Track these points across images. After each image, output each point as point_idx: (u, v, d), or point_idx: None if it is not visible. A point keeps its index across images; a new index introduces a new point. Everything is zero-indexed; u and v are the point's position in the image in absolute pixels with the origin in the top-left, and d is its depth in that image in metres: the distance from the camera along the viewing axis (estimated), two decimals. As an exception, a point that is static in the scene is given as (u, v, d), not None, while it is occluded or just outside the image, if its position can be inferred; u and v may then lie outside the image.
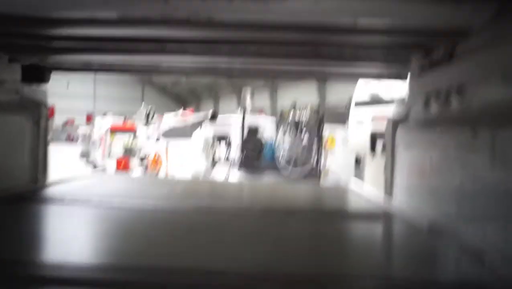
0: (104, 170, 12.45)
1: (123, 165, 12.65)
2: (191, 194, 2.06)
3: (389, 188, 1.87)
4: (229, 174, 8.23)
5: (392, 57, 1.56)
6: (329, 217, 1.59)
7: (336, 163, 8.83)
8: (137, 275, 0.85)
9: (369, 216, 1.59)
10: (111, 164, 12.91)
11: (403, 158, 1.76)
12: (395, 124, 1.83)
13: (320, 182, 7.70)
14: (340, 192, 2.41)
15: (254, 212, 1.54)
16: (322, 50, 1.38)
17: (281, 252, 1.11)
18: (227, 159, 8.62)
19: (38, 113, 1.83)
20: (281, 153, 7.82)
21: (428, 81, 1.48)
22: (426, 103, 1.54)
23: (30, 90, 1.81)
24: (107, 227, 1.32)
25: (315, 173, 7.89)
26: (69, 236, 1.20)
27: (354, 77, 2.11)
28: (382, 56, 1.52)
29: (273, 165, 7.96)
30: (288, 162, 7.72)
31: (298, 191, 2.42)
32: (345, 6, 0.90)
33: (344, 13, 0.94)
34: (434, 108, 1.48)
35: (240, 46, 1.33)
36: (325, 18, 1.00)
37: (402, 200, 1.72)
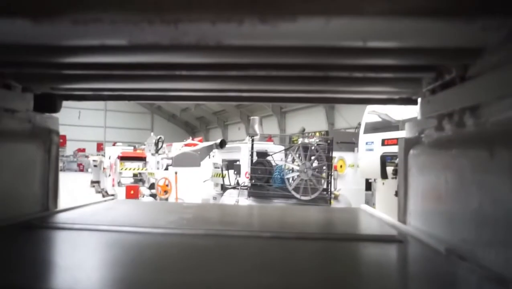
0: (114, 197, 12.39)
1: (132, 192, 12.66)
2: (201, 218, 2.03)
3: (402, 211, 1.82)
4: (238, 200, 8.17)
5: (402, 79, 1.55)
6: (341, 240, 1.55)
7: (346, 188, 8.75)
8: None
9: (383, 239, 1.55)
10: (121, 192, 12.94)
11: (416, 181, 1.72)
12: (407, 146, 1.80)
13: (330, 207, 7.62)
14: (352, 214, 2.36)
15: (264, 237, 1.51)
16: (332, 73, 1.38)
17: (292, 277, 1.07)
18: (236, 186, 8.56)
19: (50, 141, 1.84)
20: (290, 179, 7.76)
21: (440, 102, 1.46)
22: (439, 125, 1.52)
23: (41, 118, 1.83)
24: (116, 253, 1.29)
25: (325, 198, 7.80)
26: (78, 262, 1.18)
27: (364, 102, 2.10)
28: (392, 78, 1.51)
29: (282, 191, 7.90)
30: (297, 188, 7.66)
31: (308, 213, 2.38)
32: (355, 26, 0.90)
33: (354, 34, 0.94)
34: (447, 129, 1.46)
35: (249, 70, 1.34)
36: (335, 40, 1.00)
37: (416, 224, 1.68)
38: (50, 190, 1.85)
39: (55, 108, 1.91)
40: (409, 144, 1.79)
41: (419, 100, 1.74)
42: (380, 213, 2.14)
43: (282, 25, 0.85)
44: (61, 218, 1.75)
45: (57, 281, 1.05)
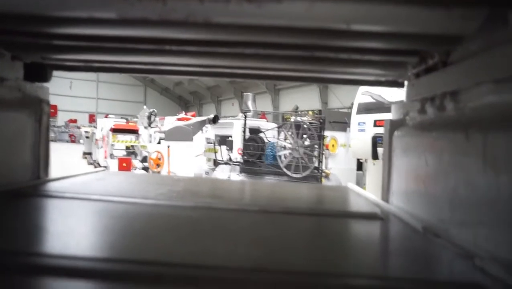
0: (106, 169, 12.43)
1: (125, 165, 12.70)
2: (192, 191, 2.08)
3: (386, 190, 1.88)
4: (230, 176, 8.25)
5: (388, 62, 1.58)
6: (323, 216, 1.61)
7: (338, 167, 8.85)
8: (134, 266, 0.87)
9: (365, 216, 1.61)
10: (113, 164, 12.96)
11: (399, 161, 1.78)
12: (392, 128, 1.85)
13: (318, 184, 7.72)
14: (339, 192, 2.43)
15: (252, 211, 1.56)
16: (318, 53, 1.41)
17: (276, 249, 1.12)
18: (228, 161, 8.63)
19: (40, 110, 1.85)
20: (282, 157, 7.84)
21: (423, 86, 1.50)
22: (422, 108, 1.56)
23: (32, 87, 1.83)
24: (106, 221, 1.34)
25: (316, 177, 7.90)
26: (67, 228, 1.22)
27: (353, 83, 2.13)
28: (378, 61, 1.54)
29: (274, 168, 7.98)
30: (289, 165, 7.74)
31: (296, 189, 2.44)
32: (338, 10, 0.92)
33: (337, 18, 0.97)
34: (430, 112, 1.50)
35: (237, 48, 1.36)
36: (319, 22, 1.02)
37: (398, 203, 1.74)
38: (41, 159, 1.88)
39: (46, 78, 1.92)
40: (394, 125, 1.83)
41: (406, 83, 1.78)
42: (365, 192, 2.20)
43: (267, 5, 0.87)
44: (52, 187, 1.78)
45: (49, 245, 1.09)
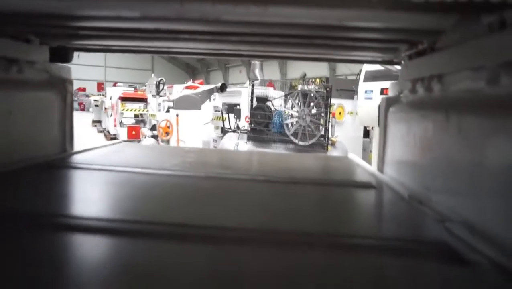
0: (116, 137, 12.70)
1: (134, 133, 12.93)
2: (202, 162, 2.26)
3: (381, 161, 2.05)
4: (238, 144, 8.41)
5: (381, 48, 1.72)
6: (323, 185, 1.79)
7: (345, 135, 8.97)
8: (156, 227, 1.06)
9: (359, 185, 1.79)
10: (123, 132, 13.19)
11: (393, 135, 1.94)
12: (388, 104, 2.00)
13: (326, 153, 7.89)
14: (340, 162, 2.60)
15: (258, 180, 1.75)
16: (316, 41, 1.55)
17: (278, 213, 1.32)
18: (236, 129, 8.78)
19: (64, 89, 2.02)
20: (289, 125, 7.95)
21: (415, 68, 1.64)
22: (414, 87, 1.70)
23: (57, 68, 2.00)
24: (128, 191, 1.53)
25: (322, 144, 8.03)
26: (96, 196, 1.42)
27: (354, 62, 2.27)
28: (371, 47, 1.68)
29: (281, 136, 8.12)
30: (296, 133, 7.87)
31: (300, 160, 2.62)
32: (332, 13, 1.07)
33: (331, 18, 1.11)
34: (420, 92, 1.65)
35: (245, 36, 1.50)
36: (316, 20, 1.17)
37: (392, 173, 1.91)
38: (67, 134, 2.07)
39: (68, 59, 2.08)
40: (389, 102, 1.98)
41: (402, 62, 1.91)
42: (363, 163, 2.37)
43: (271, 8, 1.02)
44: (78, 159, 1.98)
45: (82, 211, 1.29)
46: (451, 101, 1.31)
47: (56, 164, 1.78)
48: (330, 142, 8.27)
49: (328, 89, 8.17)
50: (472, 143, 1.18)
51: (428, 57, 1.47)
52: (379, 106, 2.12)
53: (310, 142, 7.86)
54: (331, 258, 0.98)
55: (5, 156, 1.56)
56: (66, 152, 2.05)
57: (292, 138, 7.96)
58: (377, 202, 1.67)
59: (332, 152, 8.11)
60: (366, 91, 7.62)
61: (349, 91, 9.18)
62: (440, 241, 1.11)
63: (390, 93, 2.04)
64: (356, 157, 2.56)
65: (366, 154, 8.93)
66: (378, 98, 7.06)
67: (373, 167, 2.19)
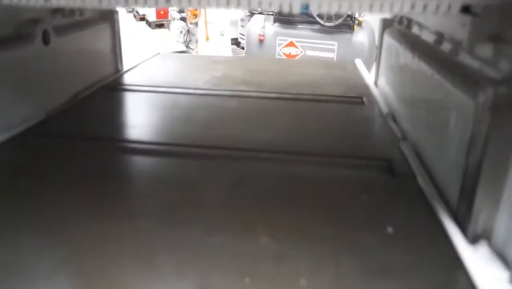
0: (145, 17, 12.83)
1: (162, 13, 13.01)
2: (228, 78, 2.62)
3: (376, 75, 2.41)
4: (264, 26, 8.53)
5: None
6: (319, 102, 2.00)
7: (372, 16, 8.81)
8: (189, 149, 1.42)
9: (350, 101, 1.99)
10: (152, 12, 13.25)
11: (386, 53, 2.24)
12: (384, 25, 2.29)
13: (353, 34, 7.96)
14: (344, 71, 2.74)
15: (271, 98, 2.07)
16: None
17: (287, 131, 1.64)
18: (263, 11, 8.79)
19: (113, 19, 2.43)
20: (315, 7, 7.84)
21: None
22: (400, 19, 2.01)
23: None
24: (171, 110, 1.88)
25: (348, 25, 8.05)
26: (141, 119, 1.82)
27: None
28: None
29: (307, 17, 8.16)
30: (321, 14, 7.86)
31: (309, 70, 2.82)
32: None
33: None
34: (402, 26, 1.96)
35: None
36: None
37: (383, 86, 2.19)
38: (118, 56, 2.54)
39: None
40: (385, 23, 2.27)
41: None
42: (365, 73, 2.60)
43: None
44: (128, 80, 2.44)
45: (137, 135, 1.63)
46: (418, 41, 1.62)
47: (115, 86, 2.27)
48: (356, 21, 8.24)
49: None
50: (423, 80, 1.43)
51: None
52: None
53: (337, 22, 7.90)
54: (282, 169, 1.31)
55: (82, 82, 2.09)
56: (119, 72, 2.54)
57: (318, 18, 8.00)
58: (357, 119, 1.87)
59: (358, 33, 8.14)
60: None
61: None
62: (384, 158, 1.34)
63: (387, 16, 2.31)
64: (360, 64, 2.87)
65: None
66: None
67: (371, 78, 2.53)
